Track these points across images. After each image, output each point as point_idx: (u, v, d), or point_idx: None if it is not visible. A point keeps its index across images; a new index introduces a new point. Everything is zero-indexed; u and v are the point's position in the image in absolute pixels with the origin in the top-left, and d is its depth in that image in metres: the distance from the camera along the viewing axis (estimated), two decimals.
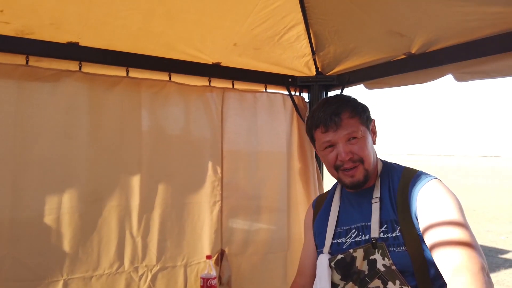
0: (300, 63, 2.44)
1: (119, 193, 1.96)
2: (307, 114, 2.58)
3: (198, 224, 2.15)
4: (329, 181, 1.89)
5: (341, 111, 1.31)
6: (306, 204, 2.42)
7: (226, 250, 2.22)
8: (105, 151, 1.93)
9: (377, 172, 1.40)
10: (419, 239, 1.23)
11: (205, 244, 2.16)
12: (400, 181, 1.34)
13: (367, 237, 1.31)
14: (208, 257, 2.05)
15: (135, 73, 2.05)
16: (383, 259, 1.24)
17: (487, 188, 19.27)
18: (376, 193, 1.35)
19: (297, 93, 2.58)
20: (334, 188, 1.54)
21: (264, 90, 2.46)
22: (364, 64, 2.27)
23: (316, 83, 2.53)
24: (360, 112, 1.35)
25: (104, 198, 1.92)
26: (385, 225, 1.29)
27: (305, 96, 2.61)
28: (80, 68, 1.91)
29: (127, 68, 2.02)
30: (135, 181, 1.99)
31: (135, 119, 2.02)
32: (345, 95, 1.43)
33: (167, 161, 2.08)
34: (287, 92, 2.51)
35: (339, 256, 1.34)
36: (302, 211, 2.42)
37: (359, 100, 1.40)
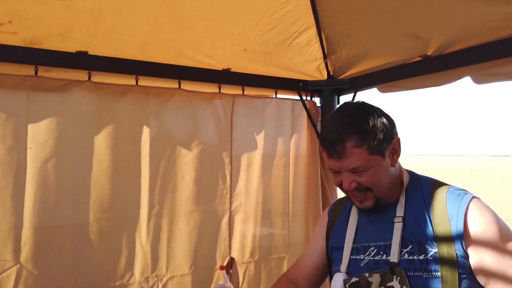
0: (312, 67, 2.40)
1: (128, 203, 1.94)
2: (319, 119, 2.53)
3: (207, 232, 2.12)
4: None
5: (346, 139, 1.12)
6: (316, 209, 2.39)
7: (236, 257, 2.19)
8: (114, 161, 1.90)
9: (401, 186, 1.25)
10: (457, 266, 1.09)
11: (214, 252, 2.14)
12: (433, 197, 1.19)
13: (388, 258, 1.17)
14: (222, 268, 2.01)
15: (144, 81, 2.02)
16: (401, 287, 1.11)
17: (497, 188, 19.04)
18: (400, 211, 1.20)
19: (309, 98, 2.53)
20: None
21: (275, 96, 2.42)
22: (377, 67, 2.22)
23: (328, 87, 2.49)
24: (370, 138, 1.13)
25: (113, 208, 1.89)
26: (410, 246, 1.15)
27: (317, 100, 2.57)
28: (89, 78, 1.89)
29: (137, 76, 2.00)
30: (144, 191, 1.97)
31: (144, 128, 1.99)
32: (360, 110, 1.20)
33: (176, 170, 2.06)
34: (298, 97, 2.47)
35: (354, 279, 1.21)
36: (312, 216, 2.39)
37: (380, 114, 1.19)
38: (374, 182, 1.16)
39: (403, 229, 1.17)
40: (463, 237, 1.10)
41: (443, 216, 1.13)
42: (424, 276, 1.10)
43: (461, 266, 1.10)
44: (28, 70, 1.76)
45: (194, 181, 2.09)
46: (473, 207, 1.13)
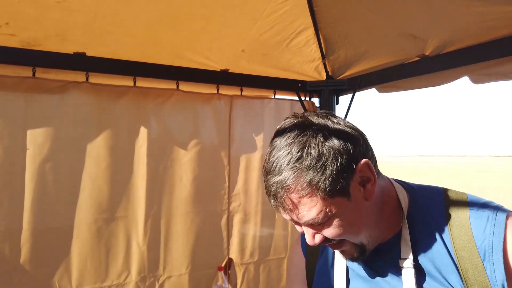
0: (310, 67, 2.39)
1: (125, 204, 1.94)
2: None
3: (205, 232, 2.13)
4: None
5: (292, 184, 0.78)
6: None
7: (234, 258, 2.19)
8: (112, 162, 1.91)
9: (400, 213, 0.89)
10: None
11: (212, 252, 2.14)
12: (451, 223, 0.84)
13: None
14: (220, 269, 2.01)
15: (142, 82, 2.03)
16: None
17: (502, 189, 18.91)
18: (406, 252, 0.85)
19: (307, 98, 2.53)
20: None
21: (273, 96, 2.42)
22: (376, 68, 2.22)
23: (327, 88, 2.48)
24: (324, 175, 0.77)
25: (111, 208, 1.90)
26: None
27: (316, 101, 2.56)
28: (87, 79, 1.89)
29: (134, 78, 2.00)
30: (141, 191, 1.98)
31: (142, 129, 2.00)
32: (299, 136, 0.80)
33: (174, 171, 2.06)
34: (297, 98, 2.47)
35: None
36: None
37: (333, 131, 0.81)
38: (342, 232, 0.83)
39: (417, 278, 0.84)
40: (504, 281, 0.78)
41: (472, 253, 0.80)
42: None
43: None
44: (26, 71, 1.77)
45: (192, 181, 2.09)
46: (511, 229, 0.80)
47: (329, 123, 0.83)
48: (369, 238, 0.87)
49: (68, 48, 1.83)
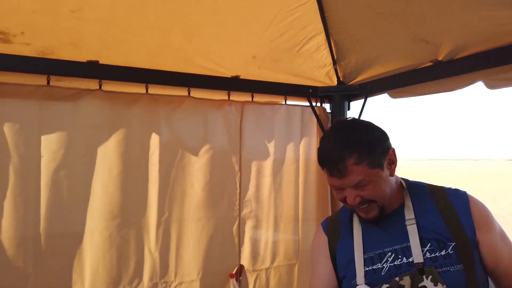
0: (321, 73, 2.39)
1: (137, 210, 1.96)
2: (329, 124, 2.52)
3: (216, 239, 2.12)
4: None
5: (346, 157, 1.15)
6: (326, 215, 2.36)
7: (246, 265, 2.18)
8: (124, 168, 1.92)
9: (402, 190, 1.30)
10: (473, 254, 1.17)
11: (223, 259, 2.14)
12: (434, 195, 1.27)
13: (409, 260, 1.19)
14: (232, 276, 2.00)
15: (154, 89, 2.04)
16: (435, 285, 1.13)
17: None
18: (409, 214, 1.24)
19: (318, 104, 2.52)
20: (346, 209, 1.38)
21: (284, 102, 2.42)
22: (388, 73, 2.20)
23: (338, 93, 2.47)
24: (369, 154, 1.17)
25: (123, 215, 1.91)
26: (429, 244, 1.19)
27: (327, 106, 2.55)
28: (100, 86, 1.91)
29: (147, 85, 2.01)
30: (153, 198, 1.99)
31: (154, 136, 2.01)
32: (355, 126, 1.24)
33: (185, 177, 2.07)
34: (308, 103, 2.46)
35: (384, 287, 1.19)
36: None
37: (374, 128, 1.24)
38: (376, 194, 1.20)
39: (419, 229, 1.21)
40: (473, 226, 1.19)
41: (450, 210, 1.21)
42: (451, 270, 1.15)
43: (475, 254, 1.18)
44: (41, 79, 1.80)
45: (203, 188, 2.09)
46: (472, 199, 1.25)
47: (370, 123, 1.25)
48: (388, 203, 1.24)
49: (82, 56, 1.85)
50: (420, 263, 1.16)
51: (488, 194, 16.52)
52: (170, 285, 1.99)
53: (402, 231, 1.23)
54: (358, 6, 1.89)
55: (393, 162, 1.24)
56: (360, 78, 2.38)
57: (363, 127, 1.23)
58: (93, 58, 1.87)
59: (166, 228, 1.99)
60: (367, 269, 1.23)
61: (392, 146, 1.24)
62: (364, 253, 1.26)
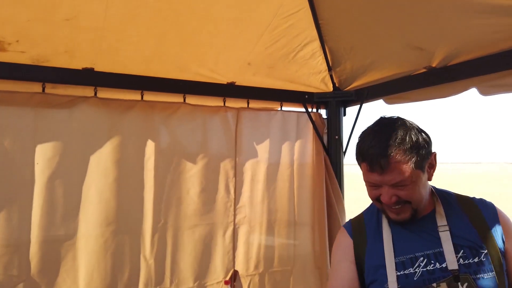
0: (317, 79, 2.40)
1: (133, 216, 1.96)
2: (325, 130, 2.52)
3: (211, 245, 2.13)
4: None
5: (391, 153, 1.12)
6: (321, 220, 2.38)
7: (240, 270, 2.18)
8: (119, 175, 1.93)
9: (433, 196, 1.28)
10: (502, 261, 1.18)
11: (218, 264, 2.14)
12: (463, 203, 1.27)
13: (442, 265, 1.18)
14: (226, 282, 2.01)
15: (150, 96, 2.05)
16: None
17: None
18: (442, 220, 1.23)
19: (314, 110, 2.53)
20: (372, 211, 1.35)
21: (280, 108, 2.42)
22: (382, 79, 2.21)
23: (334, 99, 2.48)
24: (415, 154, 1.15)
25: (118, 221, 1.91)
26: (462, 251, 1.18)
27: (323, 112, 2.56)
28: (95, 94, 1.92)
29: (142, 91, 2.03)
30: (149, 204, 1.99)
31: (149, 142, 2.02)
32: (402, 126, 1.19)
33: (181, 183, 2.08)
34: (304, 109, 2.47)
35: None
36: (317, 227, 2.39)
37: (420, 130, 1.21)
38: (413, 195, 1.18)
39: (452, 236, 1.20)
40: (502, 235, 1.20)
41: (480, 219, 1.22)
42: (485, 277, 1.15)
43: (503, 262, 1.19)
44: (36, 87, 1.81)
45: (199, 194, 2.10)
46: (499, 209, 1.27)
47: (416, 124, 1.22)
48: (422, 206, 1.23)
49: (77, 64, 1.87)
50: (455, 269, 1.15)
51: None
52: None
53: (434, 236, 1.22)
54: (352, 14, 1.90)
55: (432, 167, 1.23)
56: (355, 84, 2.38)
57: (410, 128, 1.19)
58: (88, 66, 1.89)
59: (161, 235, 2.00)
60: (398, 273, 1.21)
61: (434, 151, 1.23)
62: (394, 257, 1.24)
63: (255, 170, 2.29)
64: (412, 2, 1.70)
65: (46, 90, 1.83)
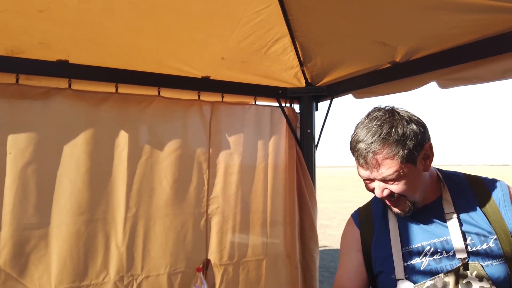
0: (289, 74, 2.47)
1: (105, 206, 1.99)
2: (298, 124, 2.60)
3: (183, 234, 2.17)
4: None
5: (377, 150, 1.12)
6: (291, 213, 2.44)
7: (213, 259, 2.23)
8: (92, 166, 1.96)
9: (439, 183, 1.26)
10: None
11: (190, 253, 2.18)
12: (473, 187, 1.23)
13: (450, 253, 1.17)
14: (199, 270, 2.05)
15: (124, 89, 2.09)
16: (481, 280, 1.12)
17: None
18: (449, 208, 1.21)
19: (288, 105, 2.60)
20: (379, 200, 1.29)
21: (254, 103, 2.49)
22: (351, 74, 2.30)
23: (306, 94, 2.56)
24: (401, 148, 1.11)
25: (90, 210, 1.95)
26: (470, 238, 1.17)
27: (296, 107, 2.63)
28: (69, 85, 1.95)
29: (116, 84, 2.06)
30: (121, 194, 2.02)
31: (123, 134, 2.05)
32: (390, 118, 1.16)
33: (154, 174, 2.12)
34: (277, 104, 2.54)
35: (429, 283, 1.15)
36: (289, 218, 2.46)
37: (411, 120, 1.16)
38: (406, 189, 1.16)
39: (460, 223, 1.18)
40: None
41: (490, 202, 1.19)
42: (493, 264, 1.13)
43: None
44: (10, 78, 1.83)
45: (172, 185, 2.14)
46: (511, 190, 1.23)
47: (409, 114, 1.18)
48: (419, 198, 1.20)
49: (51, 55, 1.89)
50: (464, 258, 1.14)
51: None
52: (136, 279, 2.02)
53: (440, 224, 1.21)
54: (320, 10, 1.97)
55: (428, 157, 1.18)
56: (327, 80, 2.47)
57: (399, 119, 1.15)
58: (63, 58, 1.91)
59: (133, 224, 2.04)
60: (405, 264, 1.21)
61: (430, 141, 1.19)
62: (401, 247, 1.24)
63: (228, 162, 2.34)
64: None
65: (20, 81, 1.85)
